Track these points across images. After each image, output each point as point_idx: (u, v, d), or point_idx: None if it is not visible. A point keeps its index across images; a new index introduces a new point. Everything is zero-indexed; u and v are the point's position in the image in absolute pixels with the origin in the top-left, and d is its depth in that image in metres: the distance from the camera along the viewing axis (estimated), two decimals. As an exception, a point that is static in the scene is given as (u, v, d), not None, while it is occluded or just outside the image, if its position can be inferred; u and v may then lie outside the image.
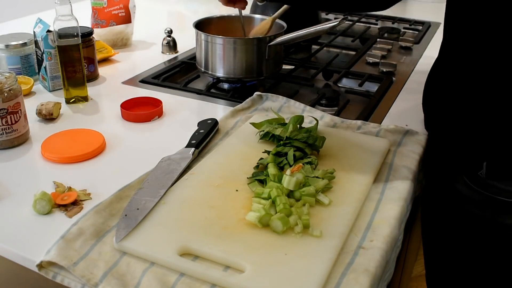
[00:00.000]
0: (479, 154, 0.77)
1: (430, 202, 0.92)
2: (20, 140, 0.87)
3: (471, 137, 0.77)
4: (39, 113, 0.95)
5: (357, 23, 1.66)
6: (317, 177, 0.73)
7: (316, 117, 0.92)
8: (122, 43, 1.40)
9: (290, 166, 0.75)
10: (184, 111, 1.02)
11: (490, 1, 0.68)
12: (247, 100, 1.02)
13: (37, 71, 1.14)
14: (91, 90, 1.09)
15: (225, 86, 1.16)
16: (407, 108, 1.04)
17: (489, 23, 0.69)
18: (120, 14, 1.36)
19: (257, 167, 0.77)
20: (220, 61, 1.10)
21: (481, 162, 0.76)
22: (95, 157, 0.83)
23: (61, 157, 0.82)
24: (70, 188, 0.74)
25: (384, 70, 1.24)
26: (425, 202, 0.93)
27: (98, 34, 1.36)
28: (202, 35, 1.11)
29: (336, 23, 1.03)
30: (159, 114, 0.99)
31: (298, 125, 0.86)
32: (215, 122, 0.91)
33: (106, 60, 1.29)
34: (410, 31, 1.61)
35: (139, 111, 0.99)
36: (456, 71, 0.77)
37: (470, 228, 0.82)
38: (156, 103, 1.01)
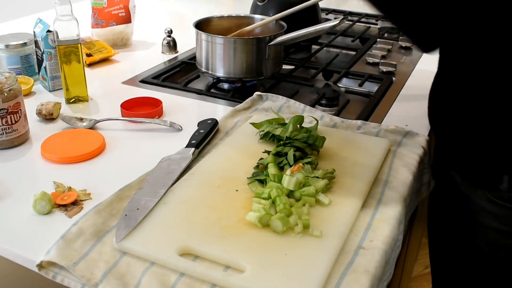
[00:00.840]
0: (497, 167, 0.72)
1: (439, 211, 0.87)
2: (20, 140, 0.87)
3: (487, 149, 0.72)
4: (39, 113, 0.95)
5: (357, 23, 1.66)
6: (317, 177, 0.73)
7: (316, 117, 0.92)
8: (122, 43, 1.40)
9: (290, 166, 0.75)
10: (184, 111, 1.02)
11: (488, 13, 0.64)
12: (247, 100, 1.02)
13: (37, 71, 1.14)
14: (91, 90, 1.09)
15: (225, 86, 1.16)
16: (407, 108, 1.04)
17: (491, 30, 0.65)
18: (120, 14, 1.36)
19: (257, 167, 0.77)
20: (220, 61, 1.10)
21: (500, 175, 0.71)
22: (95, 157, 0.83)
23: (60, 158, 0.82)
24: (70, 188, 0.74)
25: (384, 70, 1.24)
26: (433, 210, 0.88)
27: (98, 34, 1.36)
28: (202, 35, 1.11)
29: (336, 23, 1.04)
30: (159, 114, 0.99)
31: (298, 125, 0.86)
32: (215, 122, 0.91)
33: (106, 60, 1.29)
34: (410, 31, 1.60)
35: (139, 111, 0.99)
36: (462, 81, 0.73)
37: (487, 242, 0.76)
38: (156, 103, 1.01)
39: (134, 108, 1.00)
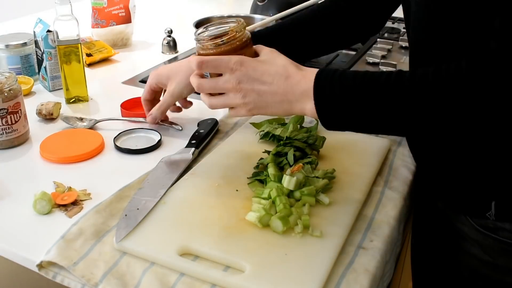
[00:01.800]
0: (485, 193, 0.67)
1: (422, 236, 0.83)
2: (20, 140, 0.87)
3: (474, 176, 0.68)
4: (39, 113, 0.95)
5: (357, 23, 1.66)
6: (317, 177, 0.73)
7: (316, 117, 0.92)
8: (122, 43, 1.40)
9: (290, 166, 0.75)
10: (184, 111, 1.01)
11: None
12: (247, 100, 1.01)
13: (37, 71, 1.14)
14: (91, 90, 1.09)
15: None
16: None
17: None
18: (120, 14, 1.36)
19: (257, 167, 0.77)
20: (220, 61, 1.10)
21: (488, 201, 0.67)
22: (94, 157, 0.83)
23: (59, 158, 0.81)
24: (70, 188, 0.74)
25: (384, 70, 1.24)
26: (416, 234, 0.84)
27: (98, 34, 1.36)
28: (202, 35, 1.10)
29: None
30: (159, 114, 0.98)
31: (298, 125, 0.86)
32: (215, 122, 0.91)
33: (106, 60, 1.29)
34: (410, 31, 1.61)
35: (139, 110, 0.99)
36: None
37: (469, 268, 0.73)
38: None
39: (134, 108, 1.00)
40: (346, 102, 0.60)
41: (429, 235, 0.82)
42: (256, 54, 0.68)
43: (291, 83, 0.63)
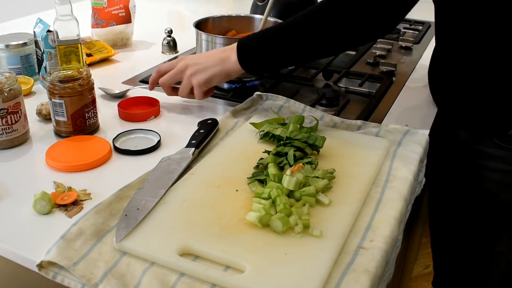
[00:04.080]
0: (506, 115, 0.84)
1: (441, 170, 0.97)
2: (20, 140, 0.87)
3: (495, 101, 0.83)
4: (39, 113, 0.95)
5: (357, 23, 1.66)
6: (317, 177, 0.73)
7: (316, 117, 0.92)
8: (122, 43, 1.40)
9: (290, 166, 0.75)
10: (184, 111, 1.02)
11: None
12: (247, 100, 1.02)
13: (37, 71, 1.14)
14: (91, 90, 1.09)
15: (225, 86, 1.16)
16: (407, 108, 1.04)
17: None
18: (120, 14, 1.36)
19: (257, 167, 0.77)
20: (220, 61, 1.10)
21: (510, 121, 0.83)
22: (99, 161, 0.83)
23: (66, 166, 0.79)
24: (70, 188, 0.74)
25: (384, 70, 1.24)
26: (435, 171, 0.99)
27: (98, 34, 1.36)
28: (203, 35, 1.11)
29: None
30: (156, 114, 0.98)
31: (298, 125, 0.86)
32: (215, 122, 0.91)
33: (106, 60, 1.29)
34: (410, 31, 1.61)
35: (136, 110, 0.99)
36: (461, 42, 0.84)
37: (495, 182, 0.89)
38: (154, 102, 1.01)
39: (131, 108, 1.00)
40: (258, 46, 0.88)
41: (448, 169, 0.98)
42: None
43: (223, 50, 0.92)
